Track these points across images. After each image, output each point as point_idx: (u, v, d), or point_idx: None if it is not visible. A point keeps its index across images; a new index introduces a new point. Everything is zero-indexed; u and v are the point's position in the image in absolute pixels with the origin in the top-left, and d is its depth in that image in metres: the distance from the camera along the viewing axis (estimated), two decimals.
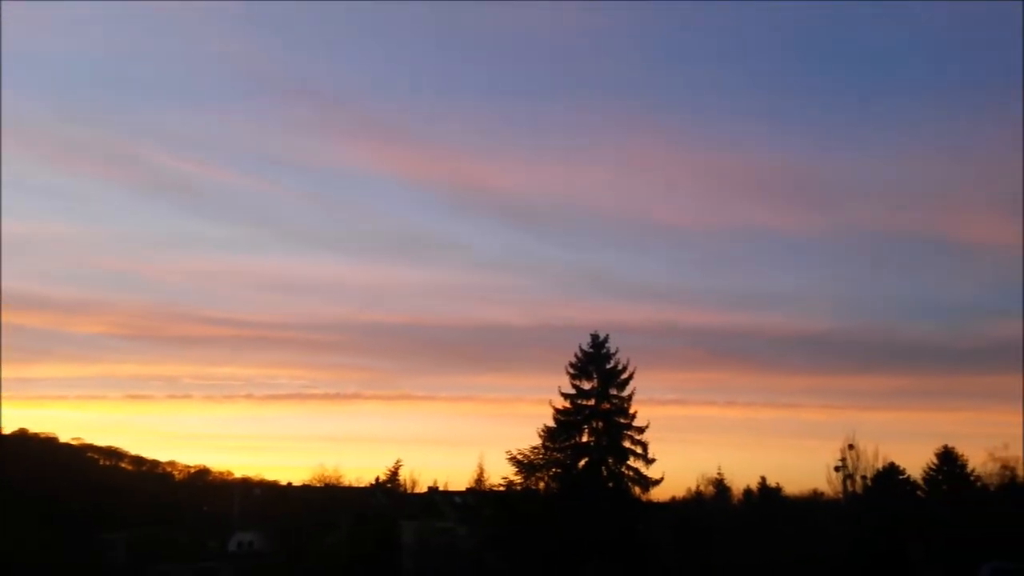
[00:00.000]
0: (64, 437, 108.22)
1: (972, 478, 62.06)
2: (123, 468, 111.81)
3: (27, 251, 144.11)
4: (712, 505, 63.95)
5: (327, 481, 74.78)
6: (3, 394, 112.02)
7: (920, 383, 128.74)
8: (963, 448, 62.99)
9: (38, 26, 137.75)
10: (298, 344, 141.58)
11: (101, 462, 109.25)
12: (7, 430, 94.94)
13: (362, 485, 78.13)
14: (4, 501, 55.56)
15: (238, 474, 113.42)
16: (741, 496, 65.23)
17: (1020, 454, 71.93)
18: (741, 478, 77.64)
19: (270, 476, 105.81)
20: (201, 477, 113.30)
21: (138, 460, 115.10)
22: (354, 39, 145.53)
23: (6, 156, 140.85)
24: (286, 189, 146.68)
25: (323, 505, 70.55)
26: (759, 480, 61.91)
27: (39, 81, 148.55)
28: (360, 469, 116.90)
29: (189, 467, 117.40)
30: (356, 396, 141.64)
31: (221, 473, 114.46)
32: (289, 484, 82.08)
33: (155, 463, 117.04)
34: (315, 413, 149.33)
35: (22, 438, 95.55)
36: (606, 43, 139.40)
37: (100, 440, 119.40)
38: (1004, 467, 60.75)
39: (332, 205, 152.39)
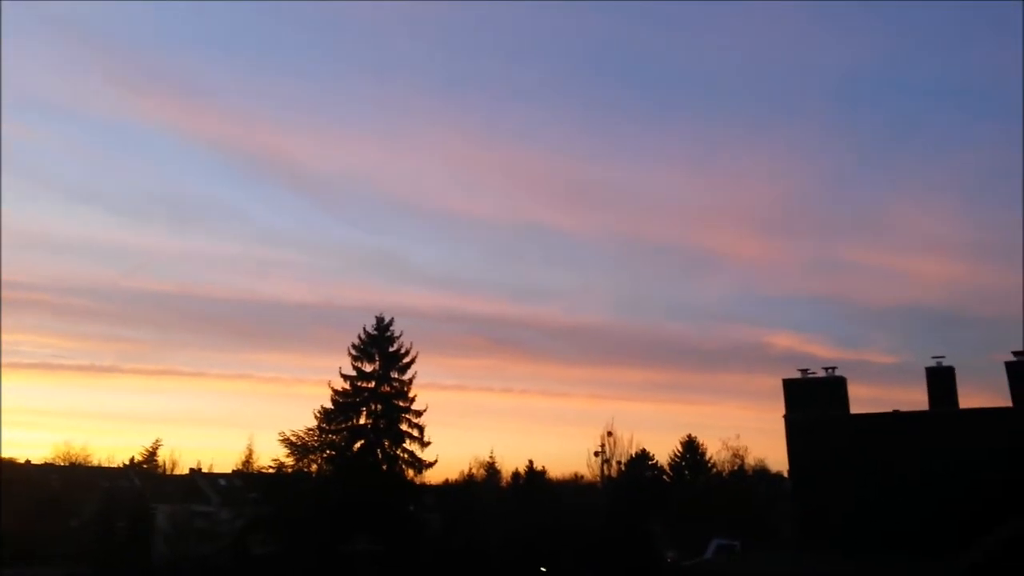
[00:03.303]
0: None
1: (709, 464, 68.82)
2: None
3: None
4: (482, 487, 66.16)
5: (72, 460, 69.13)
6: None
7: (672, 378, 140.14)
8: (703, 438, 69.74)
9: None
10: (47, 307, 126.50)
11: None
12: None
13: (114, 465, 72.88)
14: None
15: None
16: (510, 479, 67.99)
17: (748, 444, 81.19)
18: (512, 461, 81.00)
19: (6, 452, 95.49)
20: None
21: None
22: None
23: None
24: (47, 135, 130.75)
25: (67, 485, 65.02)
26: (527, 463, 64.93)
27: None
28: (114, 448, 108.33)
29: None
30: (113, 369, 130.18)
31: None
32: (28, 462, 74.48)
33: None
34: (64, 385, 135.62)
35: None
36: (420, 27, 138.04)
37: None
38: (735, 455, 68.26)
39: (100, 158, 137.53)
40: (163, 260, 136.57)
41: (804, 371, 25.71)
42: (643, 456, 67.31)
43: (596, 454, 61.33)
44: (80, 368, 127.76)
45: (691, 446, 69.00)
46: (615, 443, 61.17)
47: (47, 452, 75.10)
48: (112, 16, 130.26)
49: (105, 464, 72.34)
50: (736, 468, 68.63)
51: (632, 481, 62.68)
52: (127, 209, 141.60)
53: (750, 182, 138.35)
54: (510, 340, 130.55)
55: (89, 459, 69.85)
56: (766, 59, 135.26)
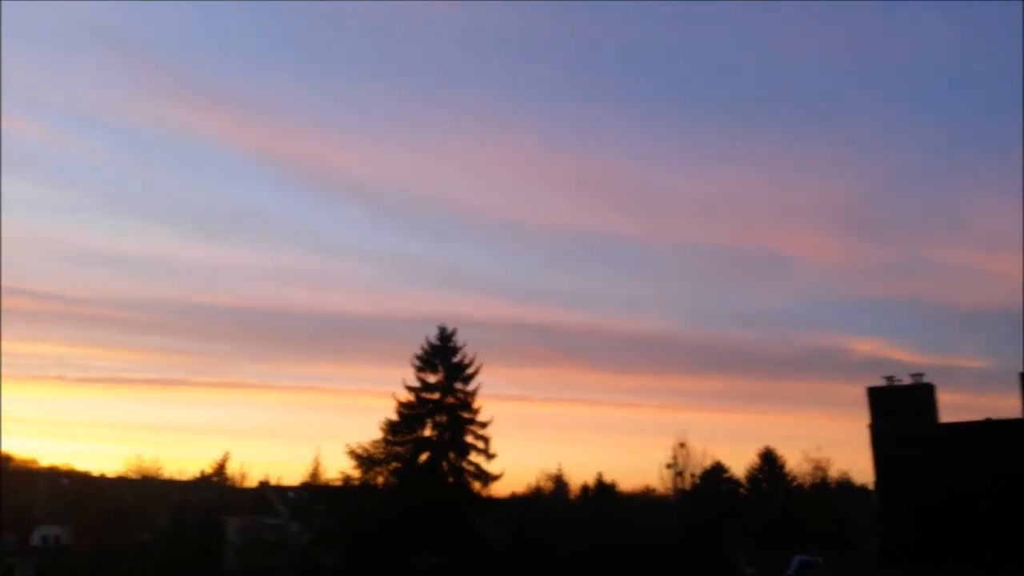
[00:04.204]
0: None
1: (788, 477, 65.90)
2: None
3: None
4: (550, 500, 64.72)
5: (145, 473, 70.12)
6: None
7: (746, 387, 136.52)
8: (782, 449, 66.85)
9: None
10: (118, 323, 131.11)
11: None
12: None
13: (185, 478, 73.77)
14: None
15: (44, 463, 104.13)
16: (578, 492, 66.43)
17: (831, 456, 77.56)
18: (579, 474, 79.34)
19: (81, 466, 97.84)
20: (2, 464, 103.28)
21: None
22: (201, 5, 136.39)
23: None
24: (109, 152, 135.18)
25: (139, 498, 65.95)
26: (596, 476, 63.31)
27: None
28: (184, 461, 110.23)
29: None
30: (183, 382, 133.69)
31: (25, 461, 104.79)
32: (102, 475, 75.96)
33: None
34: (135, 399, 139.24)
35: None
36: (470, 36, 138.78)
37: None
38: (817, 467, 65.20)
39: (163, 174, 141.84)
40: (227, 274, 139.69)
41: (889, 378, 24.43)
42: (718, 468, 64.86)
43: (668, 466, 59.56)
44: (150, 382, 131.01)
45: (769, 458, 66.17)
46: (688, 455, 59.35)
47: (119, 465, 76.70)
48: (166, 31, 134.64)
49: (176, 477, 73.16)
50: (818, 481, 65.65)
51: (707, 494, 60.48)
52: (190, 224, 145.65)
53: (823, 180, 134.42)
54: (574, 349, 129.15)
55: (161, 472, 70.68)
56: (839, 53, 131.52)
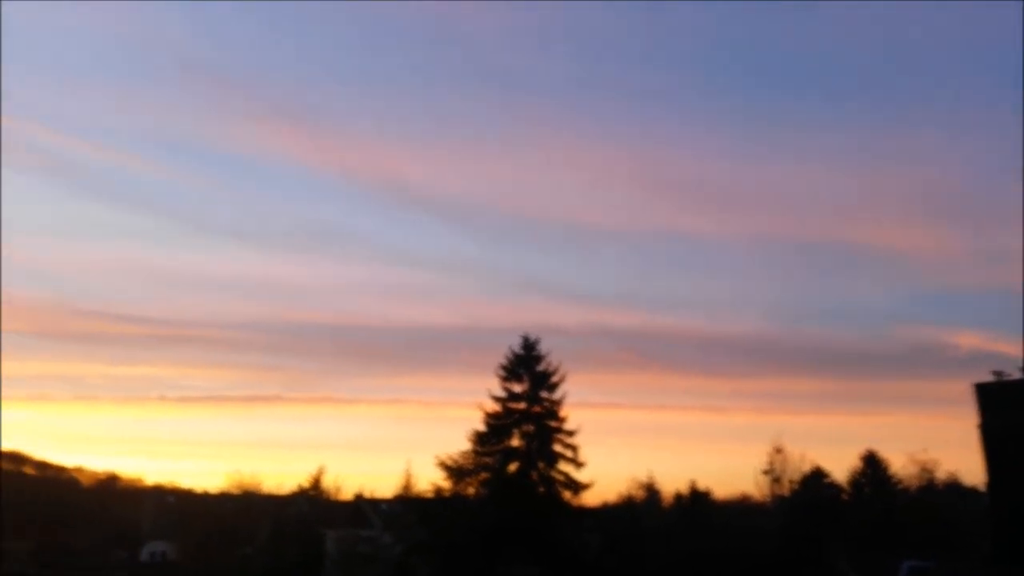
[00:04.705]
0: None
1: (894, 481, 63.16)
2: (26, 473, 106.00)
3: None
4: (642, 509, 63.69)
5: (245, 488, 72.10)
6: None
7: (842, 388, 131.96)
8: (885, 451, 64.05)
9: None
10: (214, 343, 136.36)
11: (3, 467, 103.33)
12: None
13: (282, 492, 75.50)
14: None
15: (150, 481, 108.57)
16: (672, 500, 65.18)
17: (938, 457, 73.79)
18: (671, 481, 77.77)
19: (184, 483, 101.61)
20: (110, 484, 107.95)
21: (42, 465, 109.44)
22: (268, 24, 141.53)
23: None
24: (198, 178, 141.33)
25: (241, 513, 67.83)
26: (689, 484, 62.04)
27: None
28: (280, 475, 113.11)
29: (97, 473, 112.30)
30: (276, 398, 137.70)
31: (131, 479, 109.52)
32: (205, 492, 78.67)
33: (61, 468, 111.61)
34: (232, 416, 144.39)
35: None
36: (538, 42, 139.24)
37: (1, 444, 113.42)
38: (923, 469, 62.29)
39: (247, 197, 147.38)
40: (316, 291, 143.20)
41: (998, 374, 22.98)
42: (818, 473, 62.61)
43: (765, 472, 58.05)
44: (246, 399, 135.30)
45: (872, 461, 63.47)
46: (785, 460, 57.75)
47: (220, 481, 79.02)
48: (245, 57, 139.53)
49: (275, 492, 74.94)
50: (925, 483, 62.69)
51: (807, 501, 58.50)
52: (278, 244, 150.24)
53: (918, 169, 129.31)
54: (660, 354, 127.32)
55: (260, 487, 72.57)
56: (934, 37, 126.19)
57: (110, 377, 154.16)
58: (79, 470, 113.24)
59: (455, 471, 50.31)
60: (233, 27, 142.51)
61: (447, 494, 50.65)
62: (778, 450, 57.33)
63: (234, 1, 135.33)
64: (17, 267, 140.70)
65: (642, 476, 68.36)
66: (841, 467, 65.80)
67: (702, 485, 62.02)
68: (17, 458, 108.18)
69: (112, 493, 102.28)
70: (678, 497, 63.88)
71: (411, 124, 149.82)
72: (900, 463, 64.22)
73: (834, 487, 63.95)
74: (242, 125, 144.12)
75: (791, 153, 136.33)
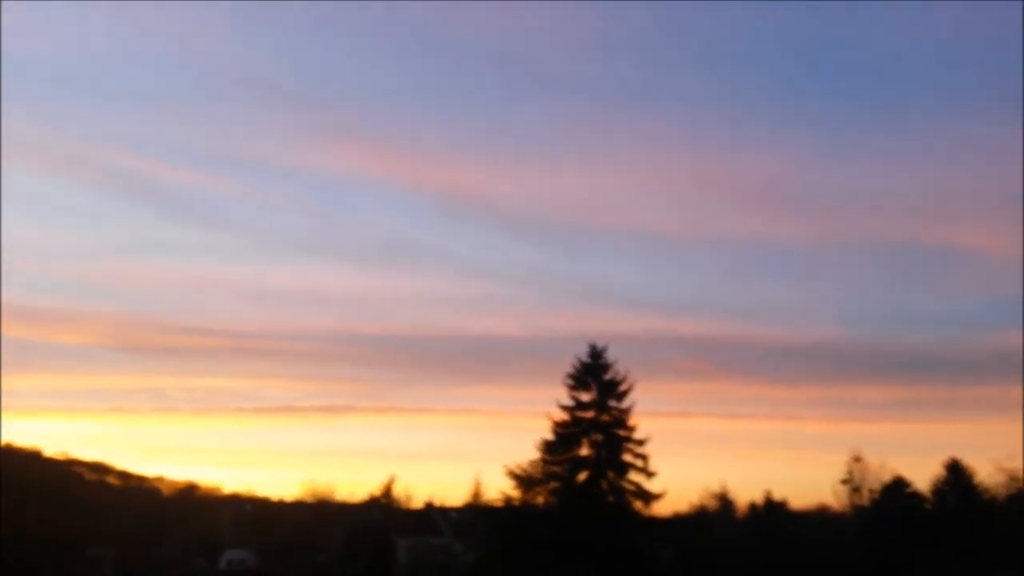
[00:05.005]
0: (49, 451, 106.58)
1: (979, 490, 60.70)
2: (109, 483, 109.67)
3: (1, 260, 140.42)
4: (715, 520, 62.59)
5: (319, 496, 73.48)
6: None
7: (922, 394, 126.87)
8: (969, 459, 61.53)
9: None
10: (288, 355, 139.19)
11: (87, 477, 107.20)
12: None
13: (355, 501, 76.64)
14: None
15: (228, 489, 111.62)
16: (746, 511, 63.92)
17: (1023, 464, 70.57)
18: (745, 492, 75.88)
19: (261, 491, 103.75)
20: (190, 493, 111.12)
21: (125, 475, 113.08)
22: (337, 40, 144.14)
23: None
24: (266, 195, 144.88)
25: (315, 521, 69.02)
26: (764, 494, 60.71)
27: (6, 85, 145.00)
28: (353, 484, 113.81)
29: (177, 482, 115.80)
30: (348, 409, 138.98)
31: (210, 488, 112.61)
32: (281, 500, 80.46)
33: (142, 478, 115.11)
34: (306, 426, 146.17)
35: (6, 452, 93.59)
36: (598, 48, 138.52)
37: (86, 454, 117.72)
38: (1011, 478, 59.69)
39: (315, 212, 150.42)
40: (385, 303, 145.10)
41: None
42: (899, 482, 60.56)
43: (843, 482, 56.61)
44: (319, 409, 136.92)
45: (956, 469, 61.07)
46: (864, 469, 56.25)
47: (295, 490, 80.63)
48: (322, 79, 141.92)
49: (348, 500, 76.06)
50: (1014, 492, 60.04)
51: (888, 511, 56.69)
52: (347, 258, 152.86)
53: (995, 167, 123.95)
54: (732, 362, 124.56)
55: (334, 495, 73.73)
56: (996, 34, 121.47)
57: (189, 389, 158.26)
58: (160, 479, 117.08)
59: (524, 480, 50.20)
60: (307, 49, 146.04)
61: (516, 503, 50.56)
62: (856, 459, 55.92)
63: (306, 23, 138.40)
64: (100, 285, 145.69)
65: (714, 486, 67.37)
66: (923, 476, 63.55)
67: (777, 495, 60.70)
68: (101, 468, 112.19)
69: (191, 502, 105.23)
70: (752, 507, 62.66)
71: (480, 137, 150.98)
72: (986, 471, 61.76)
73: (916, 496, 61.76)
74: (316, 144, 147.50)
75: (864, 153, 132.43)
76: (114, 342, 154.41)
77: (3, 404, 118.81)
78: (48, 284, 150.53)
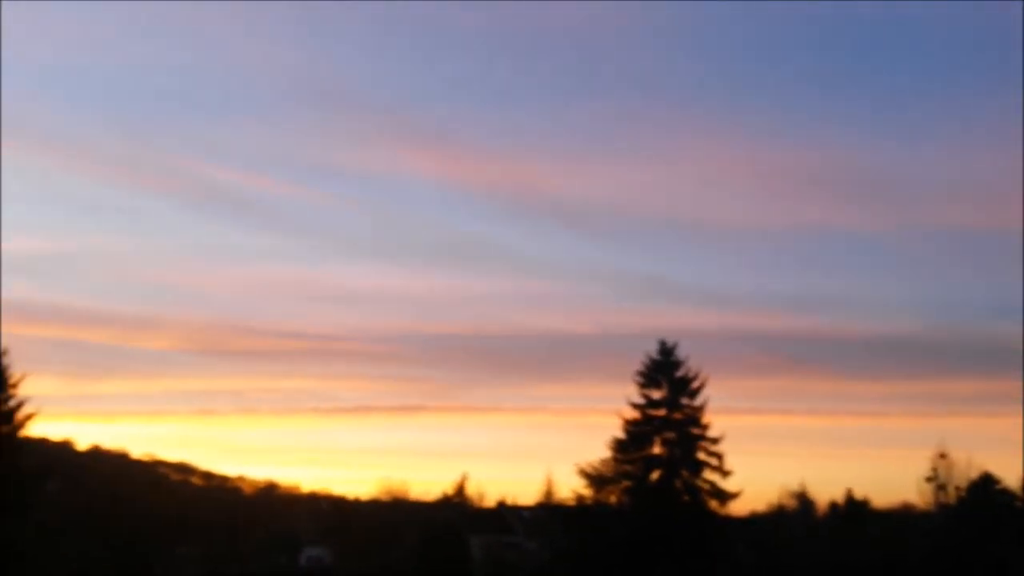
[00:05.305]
0: (135, 453, 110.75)
1: None
2: (193, 483, 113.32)
3: (82, 267, 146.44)
4: (794, 519, 61.29)
5: (394, 495, 74.40)
6: (74, 411, 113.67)
7: (1009, 388, 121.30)
8: None
9: (78, 39, 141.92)
10: (361, 356, 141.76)
11: (172, 477, 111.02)
12: (80, 446, 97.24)
13: (429, 499, 77.44)
14: (77, 518, 55.97)
15: (306, 488, 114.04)
16: (826, 510, 62.46)
17: None
18: (825, 490, 73.91)
19: (337, 490, 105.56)
20: (270, 492, 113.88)
21: (208, 475, 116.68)
22: (398, 45, 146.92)
23: (54, 171, 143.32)
24: (338, 199, 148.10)
25: (390, 519, 69.89)
26: (845, 492, 59.26)
27: (85, 95, 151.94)
28: (426, 482, 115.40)
29: (258, 481, 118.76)
30: (420, 408, 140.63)
31: (289, 487, 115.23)
32: (357, 498, 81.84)
33: (224, 478, 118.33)
34: (380, 425, 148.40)
35: (95, 454, 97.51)
36: (651, 41, 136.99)
37: (171, 455, 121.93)
38: None
39: (385, 214, 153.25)
40: (455, 303, 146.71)
41: None
42: (988, 479, 58.31)
43: (928, 480, 54.84)
44: (391, 408, 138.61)
45: None
46: (951, 466, 54.39)
47: (371, 488, 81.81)
48: (387, 84, 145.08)
49: (421, 498, 76.87)
50: None
51: (977, 509, 54.68)
52: (417, 259, 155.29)
53: None
54: (808, 356, 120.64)
55: (408, 494, 74.67)
56: None
57: (268, 390, 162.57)
58: (241, 479, 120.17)
59: (596, 479, 50.01)
60: (372, 54, 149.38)
61: (589, 502, 50.48)
62: (942, 455, 54.03)
63: (371, 28, 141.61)
64: (180, 291, 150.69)
65: (793, 485, 65.95)
66: (1013, 472, 61.07)
67: (859, 494, 59.25)
68: (185, 469, 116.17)
69: (271, 500, 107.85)
70: (833, 506, 61.34)
71: (541, 135, 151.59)
72: None
73: (1007, 494, 59.42)
74: (383, 147, 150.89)
75: (943, 136, 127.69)
76: (195, 346, 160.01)
77: (90, 408, 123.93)
78: (129, 291, 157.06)
